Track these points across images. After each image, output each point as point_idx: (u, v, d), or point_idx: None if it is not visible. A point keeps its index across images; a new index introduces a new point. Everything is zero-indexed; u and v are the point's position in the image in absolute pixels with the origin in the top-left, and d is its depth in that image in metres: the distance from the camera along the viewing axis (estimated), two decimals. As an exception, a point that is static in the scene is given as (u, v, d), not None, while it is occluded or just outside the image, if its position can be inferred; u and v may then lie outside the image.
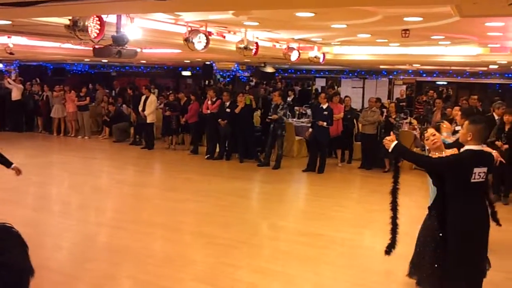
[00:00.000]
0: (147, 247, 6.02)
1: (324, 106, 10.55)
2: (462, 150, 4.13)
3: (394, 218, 4.45)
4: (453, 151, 4.35)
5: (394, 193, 4.44)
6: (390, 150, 4.18)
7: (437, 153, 4.34)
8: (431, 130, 4.48)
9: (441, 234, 4.19)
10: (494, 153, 4.36)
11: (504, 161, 4.54)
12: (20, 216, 6.78)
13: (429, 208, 4.47)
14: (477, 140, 4.01)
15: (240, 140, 11.83)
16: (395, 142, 4.14)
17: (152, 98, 13.50)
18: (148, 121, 13.35)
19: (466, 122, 4.09)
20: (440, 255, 4.19)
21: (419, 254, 4.45)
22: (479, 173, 3.98)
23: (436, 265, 4.24)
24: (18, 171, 5.41)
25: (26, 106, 16.28)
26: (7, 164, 5.34)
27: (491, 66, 14.45)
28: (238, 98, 11.83)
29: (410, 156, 4.34)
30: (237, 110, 11.52)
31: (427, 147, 4.57)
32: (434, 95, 13.99)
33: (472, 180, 3.97)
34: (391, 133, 4.32)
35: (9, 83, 16.23)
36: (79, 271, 5.24)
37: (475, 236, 4.10)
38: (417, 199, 7.50)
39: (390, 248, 4.49)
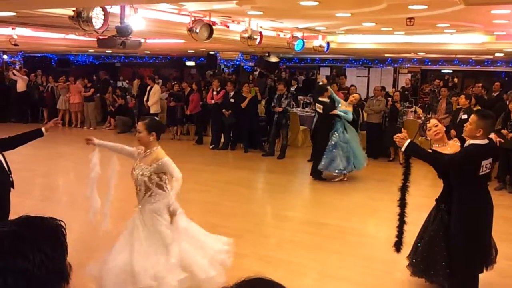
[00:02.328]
0: (153, 237, 6.07)
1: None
2: (468, 144, 4.03)
3: (401, 216, 4.40)
4: (455, 141, 4.30)
5: (403, 190, 4.35)
6: (403, 149, 4.01)
7: (439, 145, 4.28)
8: (433, 121, 4.39)
9: (451, 230, 4.13)
10: (493, 135, 4.23)
11: (503, 141, 4.47)
12: (27, 206, 6.83)
13: (437, 200, 4.44)
14: (486, 135, 3.93)
15: (245, 130, 11.84)
16: (408, 140, 3.98)
17: (156, 88, 13.51)
18: (152, 111, 13.35)
19: (475, 117, 3.92)
20: (450, 251, 4.14)
21: (425, 257, 4.38)
22: (486, 165, 3.96)
23: (444, 263, 4.21)
24: (54, 124, 4.71)
25: (31, 97, 16.33)
26: (38, 134, 4.56)
27: (496, 54, 14.34)
28: (244, 88, 11.79)
29: (424, 155, 4.06)
30: (243, 105, 11.49)
31: (429, 138, 4.48)
32: (440, 83, 13.90)
33: (480, 173, 3.95)
34: (402, 130, 4.16)
35: (14, 75, 16.26)
36: (86, 260, 5.28)
37: (486, 225, 4.10)
38: (422, 188, 7.50)
39: (398, 246, 4.49)
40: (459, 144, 4.23)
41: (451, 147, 4.24)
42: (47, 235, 1.16)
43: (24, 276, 1.08)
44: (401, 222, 4.42)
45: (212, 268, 4.08)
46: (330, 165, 8.66)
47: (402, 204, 4.37)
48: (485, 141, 3.94)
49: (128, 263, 3.95)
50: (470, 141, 3.99)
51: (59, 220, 1.22)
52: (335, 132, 8.71)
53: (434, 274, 4.35)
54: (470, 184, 4.03)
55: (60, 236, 1.18)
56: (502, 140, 4.33)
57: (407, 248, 4.68)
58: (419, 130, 10.68)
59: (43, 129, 4.54)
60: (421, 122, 11.14)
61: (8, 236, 1.12)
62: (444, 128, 4.47)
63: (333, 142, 8.67)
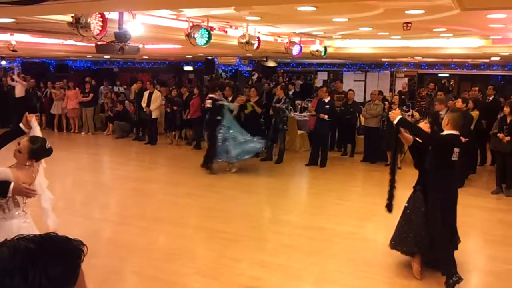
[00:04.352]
0: (151, 242, 6.08)
1: (326, 100, 10.61)
2: (444, 133, 4.86)
3: (392, 181, 5.06)
4: (425, 123, 5.18)
5: (394, 157, 5.40)
6: (395, 122, 4.81)
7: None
8: (423, 124, 5.22)
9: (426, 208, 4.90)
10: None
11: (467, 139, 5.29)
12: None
13: (414, 187, 5.14)
14: (453, 126, 4.78)
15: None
16: (400, 116, 4.87)
17: (157, 94, 13.53)
18: (153, 116, 13.38)
19: (448, 113, 5.04)
20: (426, 225, 4.86)
21: (402, 231, 5.10)
22: (456, 153, 4.77)
23: (419, 237, 4.90)
24: (29, 119, 4.22)
25: (29, 103, 16.31)
26: (19, 132, 4.29)
27: (493, 58, 14.40)
28: (251, 93, 11.47)
29: (413, 128, 4.93)
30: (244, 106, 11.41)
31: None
32: (436, 87, 13.95)
33: (452, 159, 4.75)
34: (396, 107, 5.06)
35: (12, 80, 16.25)
36: (84, 267, 5.22)
37: (452, 205, 4.87)
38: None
39: (390, 207, 5.13)
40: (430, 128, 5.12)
41: (422, 126, 5.06)
42: (61, 258, 1.13)
43: None
44: (392, 186, 5.06)
45: None
46: (225, 155, 9.73)
47: (393, 171, 5.08)
48: (457, 132, 4.79)
49: None
50: (445, 132, 4.84)
51: (83, 244, 1.20)
52: (221, 128, 9.71)
53: (412, 244, 4.95)
54: (443, 168, 4.78)
55: (74, 263, 1.16)
56: (466, 139, 5.24)
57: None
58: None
59: (21, 125, 4.28)
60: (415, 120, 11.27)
61: (17, 252, 1.09)
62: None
63: (221, 136, 9.68)
